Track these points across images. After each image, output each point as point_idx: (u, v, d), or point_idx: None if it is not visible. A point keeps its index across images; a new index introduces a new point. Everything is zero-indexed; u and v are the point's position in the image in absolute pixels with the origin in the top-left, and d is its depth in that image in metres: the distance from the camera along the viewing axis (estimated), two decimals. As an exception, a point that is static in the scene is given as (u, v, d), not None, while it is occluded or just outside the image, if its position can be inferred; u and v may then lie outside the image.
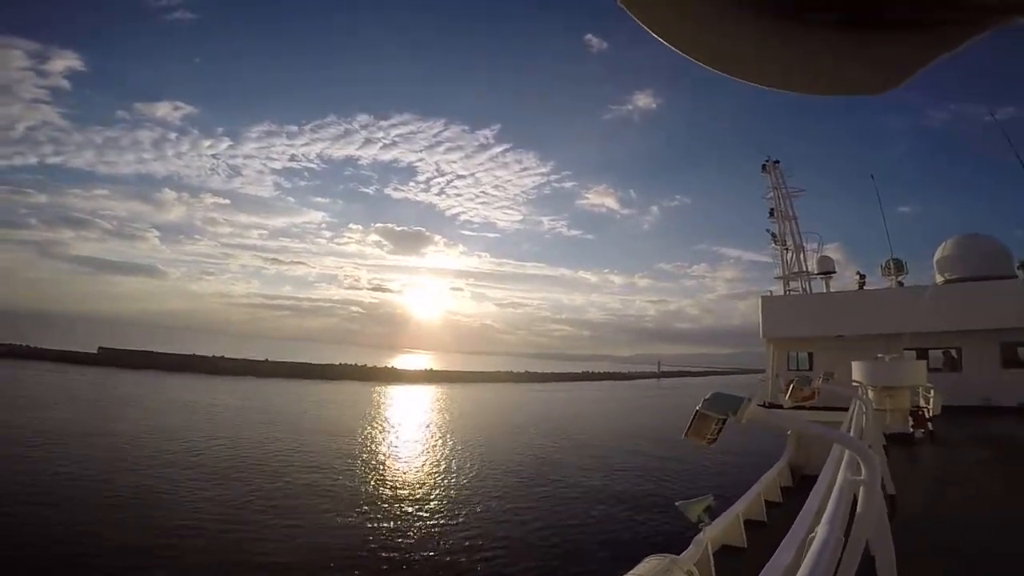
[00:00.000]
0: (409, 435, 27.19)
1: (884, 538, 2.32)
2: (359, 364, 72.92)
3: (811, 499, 3.55)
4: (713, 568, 4.07)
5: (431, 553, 11.19)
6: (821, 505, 3.01)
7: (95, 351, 54.84)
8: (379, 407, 39.06)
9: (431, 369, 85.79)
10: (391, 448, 23.10)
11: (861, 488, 2.22)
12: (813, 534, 2.12)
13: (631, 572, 2.26)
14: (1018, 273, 19.98)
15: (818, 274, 24.72)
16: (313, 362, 70.03)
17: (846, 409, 7.98)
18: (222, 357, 61.92)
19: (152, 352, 58.28)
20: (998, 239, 21.42)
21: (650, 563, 2.32)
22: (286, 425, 26.30)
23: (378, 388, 54.06)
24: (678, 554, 3.01)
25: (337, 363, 71.78)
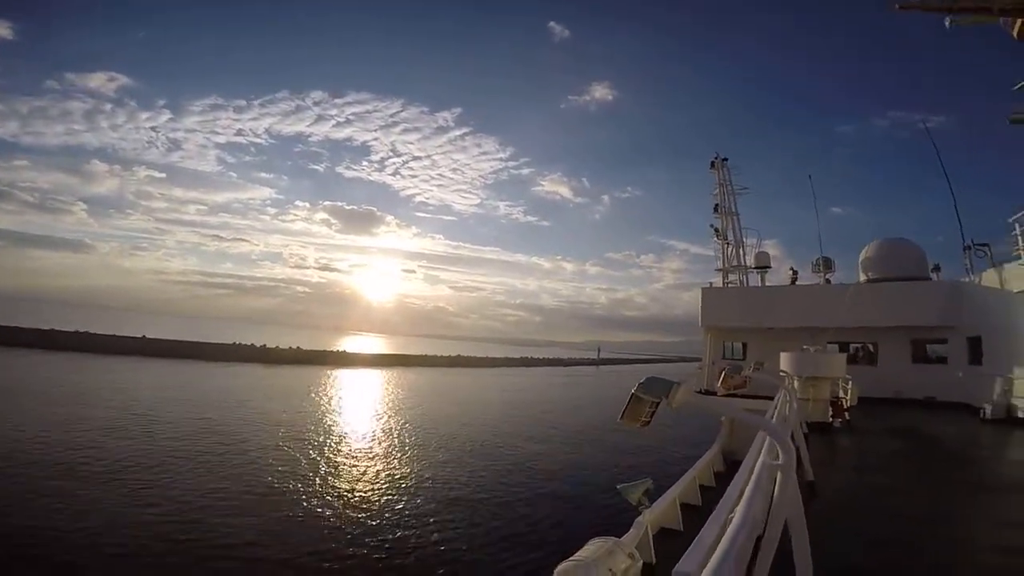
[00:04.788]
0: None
1: (799, 520, 2.59)
2: (257, 344, 67.49)
3: (734, 482, 3.93)
4: (653, 549, 4.38)
5: (364, 546, 10.95)
6: (743, 488, 3.33)
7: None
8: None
9: (343, 351, 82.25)
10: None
11: (779, 472, 2.47)
12: (732, 514, 2.34)
13: (577, 554, 2.35)
14: (932, 276, 22.77)
15: (755, 268, 26.79)
16: (211, 341, 65.15)
17: (774, 397, 8.78)
18: (86, 332, 54.77)
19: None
20: (917, 244, 24.27)
21: (595, 545, 2.43)
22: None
23: (266, 371, 49.98)
24: (620, 536, 3.18)
25: (231, 343, 66.71)
